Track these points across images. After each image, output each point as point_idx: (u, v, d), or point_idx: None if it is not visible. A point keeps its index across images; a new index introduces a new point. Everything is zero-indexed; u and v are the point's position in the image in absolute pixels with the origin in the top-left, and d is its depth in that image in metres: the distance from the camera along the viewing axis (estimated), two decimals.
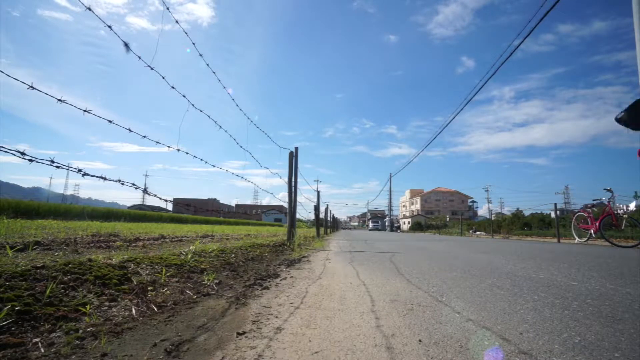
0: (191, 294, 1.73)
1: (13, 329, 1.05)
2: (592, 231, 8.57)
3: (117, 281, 1.63)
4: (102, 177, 1.97)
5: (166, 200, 2.65)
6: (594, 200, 8.90)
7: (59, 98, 1.67)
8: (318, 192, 12.15)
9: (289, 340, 1.10)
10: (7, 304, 1.14)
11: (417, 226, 47.63)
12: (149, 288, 1.67)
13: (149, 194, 2.53)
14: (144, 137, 2.38)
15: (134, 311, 1.36)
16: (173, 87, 2.62)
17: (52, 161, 1.66)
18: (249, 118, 4.58)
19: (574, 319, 1.37)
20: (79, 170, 1.83)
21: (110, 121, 2.05)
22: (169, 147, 2.59)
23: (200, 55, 3.07)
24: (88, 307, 1.28)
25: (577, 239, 9.25)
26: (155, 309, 1.42)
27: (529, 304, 1.63)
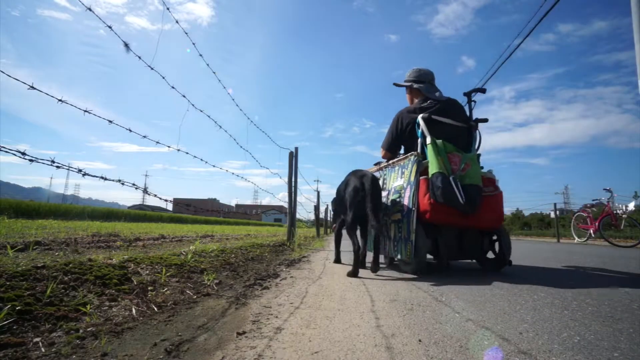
0: (191, 294, 1.73)
1: (14, 328, 1.06)
2: (591, 231, 8.60)
3: (117, 281, 1.63)
4: (102, 177, 1.97)
5: (166, 200, 2.66)
6: (593, 200, 8.93)
7: (59, 98, 1.68)
8: (318, 192, 12.17)
9: (289, 340, 1.10)
10: (7, 304, 1.14)
11: None
12: (149, 288, 1.67)
13: (149, 194, 2.54)
14: (144, 137, 2.38)
15: (134, 311, 1.36)
16: (173, 87, 2.63)
17: (53, 161, 1.66)
18: (249, 118, 4.58)
19: (573, 319, 1.37)
20: (79, 170, 1.83)
21: (110, 121, 2.05)
22: (169, 147, 2.60)
23: (200, 55, 3.07)
24: (88, 307, 1.28)
25: (576, 238, 9.26)
26: (155, 309, 1.43)
27: (528, 304, 1.63)
